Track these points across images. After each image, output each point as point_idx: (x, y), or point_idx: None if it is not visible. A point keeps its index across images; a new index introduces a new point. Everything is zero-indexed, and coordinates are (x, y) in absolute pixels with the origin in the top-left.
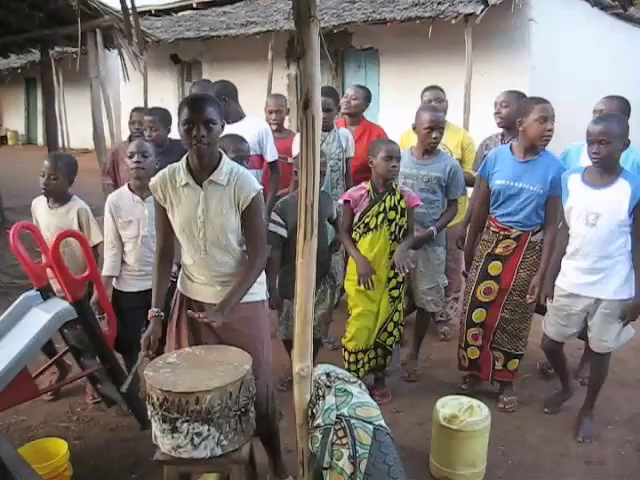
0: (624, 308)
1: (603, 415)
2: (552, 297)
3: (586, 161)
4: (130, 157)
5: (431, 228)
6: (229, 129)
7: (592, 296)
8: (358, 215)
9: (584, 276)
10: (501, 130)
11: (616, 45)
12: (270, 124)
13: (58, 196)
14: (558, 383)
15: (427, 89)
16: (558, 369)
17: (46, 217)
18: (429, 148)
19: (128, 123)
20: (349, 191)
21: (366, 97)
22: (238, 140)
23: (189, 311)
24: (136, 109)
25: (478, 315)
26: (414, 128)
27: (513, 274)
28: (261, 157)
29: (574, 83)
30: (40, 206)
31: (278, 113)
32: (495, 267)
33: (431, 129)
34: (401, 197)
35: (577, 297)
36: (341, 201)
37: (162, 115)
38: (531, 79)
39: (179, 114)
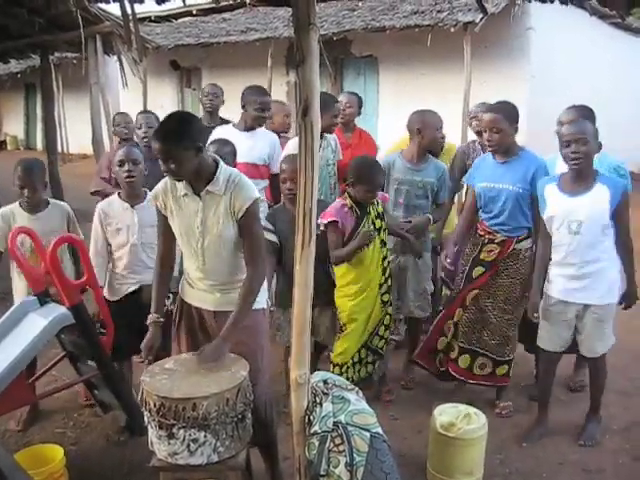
0: (622, 298)
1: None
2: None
3: (562, 171)
4: (120, 165)
5: (428, 215)
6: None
7: (580, 302)
8: (347, 234)
9: (571, 282)
10: (474, 137)
11: (615, 54)
12: (285, 128)
13: (39, 203)
14: (559, 392)
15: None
16: (542, 390)
17: (28, 224)
18: (439, 149)
19: (115, 127)
20: (332, 210)
21: (358, 103)
22: (219, 143)
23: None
24: (119, 114)
25: (458, 314)
26: (419, 132)
27: (489, 279)
28: (267, 168)
29: (573, 92)
30: (16, 214)
31: (290, 117)
32: (477, 271)
33: (441, 129)
34: (377, 203)
35: (567, 304)
36: (322, 221)
37: (155, 116)
38: (530, 88)
39: None
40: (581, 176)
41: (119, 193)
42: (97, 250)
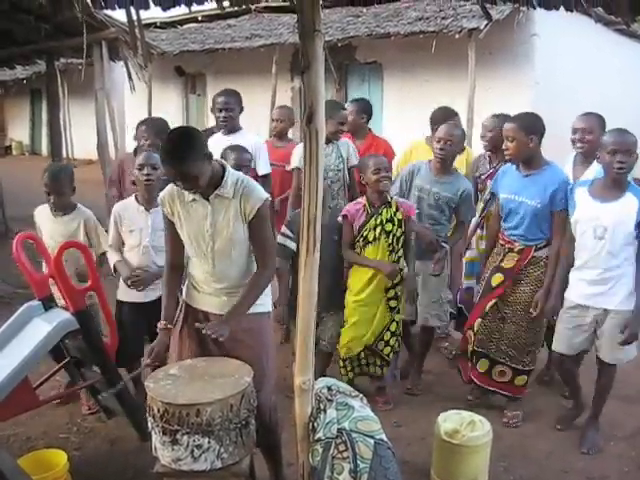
0: (627, 320)
1: (605, 431)
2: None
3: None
4: (140, 169)
5: (445, 247)
6: (226, 139)
7: (600, 307)
8: (357, 229)
9: (592, 287)
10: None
11: (621, 61)
12: (271, 132)
13: (65, 207)
14: (558, 398)
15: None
16: (570, 386)
17: (50, 226)
18: (437, 160)
19: (134, 137)
20: (347, 206)
21: (361, 110)
22: (238, 150)
23: (197, 324)
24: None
25: (477, 323)
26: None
27: (511, 287)
28: (252, 170)
29: (578, 98)
30: (44, 215)
31: (279, 122)
32: (496, 278)
33: (439, 140)
34: (397, 209)
35: (586, 308)
36: (339, 218)
37: (154, 124)
38: (535, 95)
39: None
40: (615, 185)
41: (136, 196)
42: (115, 250)
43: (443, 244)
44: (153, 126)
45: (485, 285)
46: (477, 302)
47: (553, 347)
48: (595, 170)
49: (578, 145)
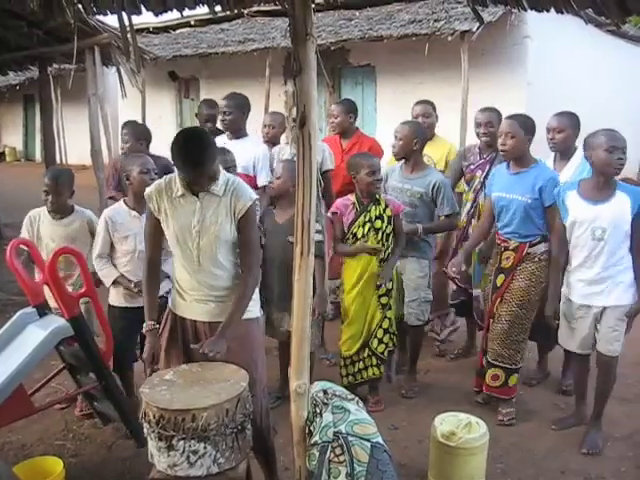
0: (630, 310)
1: (603, 431)
2: (557, 317)
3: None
4: (146, 173)
5: (418, 225)
6: (233, 143)
7: (600, 305)
8: (346, 226)
9: (590, 287)
10: (477, 142)
11: (613, 61)
12: (263, 138)
13: (63, 210)
14: (557, 399)
15: (417, 103)
16: (579, 390)
17: (50, 228)
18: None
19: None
20: (337, 202)
21: (348, 110)
22: (223, 152)
23: (192, 345)
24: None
25: (491, 325)
26: None
27: (509, 284)
28: (253, 178)
29: (570, 99)
30: (42, 218)
31: (271, 128)
32: (500, 279)
33: (397, 138)
34: (386, 206)
35: (588, 307)
36: (329, 214)
37: (134, 129)
38: (527, 96)
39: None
40: (605, 184)
41: (124, 200)
42: (100, 254)
43: (417, 224)
44: (134, 130)
45: (492, 287)
46: (488, 306)
47: (565, 347)
48: (573, 167)
49: (550, 145)
